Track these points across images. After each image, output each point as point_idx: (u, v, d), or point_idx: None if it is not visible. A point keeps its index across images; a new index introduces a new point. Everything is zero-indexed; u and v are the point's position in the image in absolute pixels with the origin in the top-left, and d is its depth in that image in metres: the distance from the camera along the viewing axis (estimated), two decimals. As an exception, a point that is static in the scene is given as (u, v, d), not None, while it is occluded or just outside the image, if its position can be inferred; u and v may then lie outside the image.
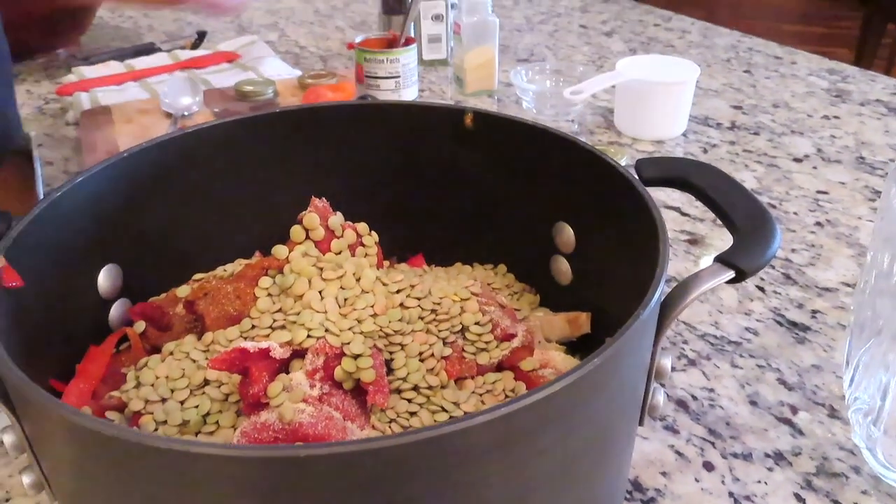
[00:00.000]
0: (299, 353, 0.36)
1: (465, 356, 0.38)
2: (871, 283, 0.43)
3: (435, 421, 0.35)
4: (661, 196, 0.74)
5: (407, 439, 0.25)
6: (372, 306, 0.38)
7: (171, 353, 0.40)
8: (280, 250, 0.41)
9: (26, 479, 0.33)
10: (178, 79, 0.88)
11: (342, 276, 0.40)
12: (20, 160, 0.86)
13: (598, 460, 0.33)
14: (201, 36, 1.13)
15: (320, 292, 0.39)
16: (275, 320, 0.38)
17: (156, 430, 0.36)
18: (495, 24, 0.92)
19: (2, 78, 0.52)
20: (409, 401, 0.36)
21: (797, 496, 0.43)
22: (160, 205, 0.46)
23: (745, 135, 0.86)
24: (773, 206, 0.72)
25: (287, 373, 0.36)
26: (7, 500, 0.43)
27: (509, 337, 0.39)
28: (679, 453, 0.46)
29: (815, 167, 0.79)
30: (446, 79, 1.02)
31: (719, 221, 0.43)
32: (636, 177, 0.40)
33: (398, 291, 0.40)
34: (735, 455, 0.46)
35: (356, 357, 0.36)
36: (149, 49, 1.07)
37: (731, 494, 0.43)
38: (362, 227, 0.44)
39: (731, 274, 0.34)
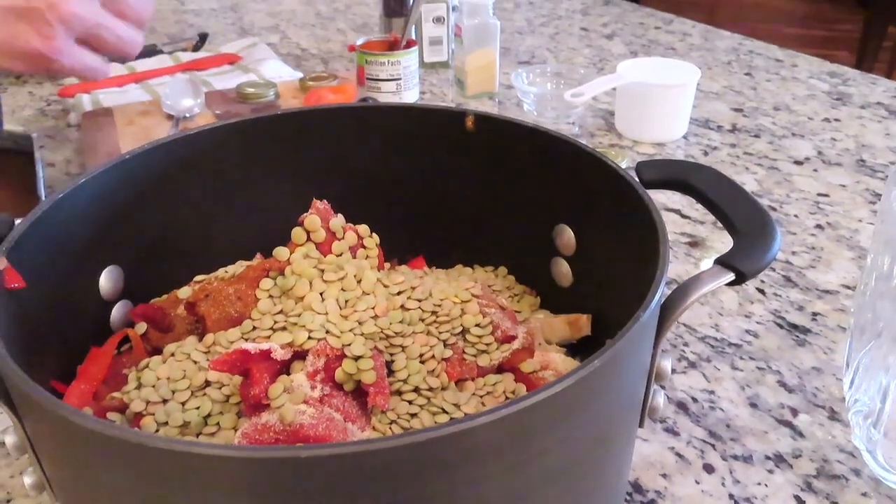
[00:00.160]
0: (300, 355, 0.36)
1: (465, 358, 0.38)
2: (871, 285, 0.43)
3: (435, 422, 0.36)
4: (662, 198, 0.74)
5: (407, 440, 0.25)
6: (373, 308, 0.38)
7: (173, 355, 0.40)
8: (281, 252, 0.41)
9: (27, 480, 0.33)
10: (179, 81, 0.89)
11: (343, 277, 0.40)
12: (21, 161, 0.86)
13: (598, 462, 0.33)
14: (203, 38, 1.13)
15: (321, 294, 0.39)
16: (276, 322, 0.38)
17: (157, 431, 0.36)
18: (496, 27, 0.92)
19: None
20: (410, 402, 0.36)
21: (797, 498, 0.43)
22: (162, 206, 0.46)
23: (745, 137, 0.86)
24: (774, 209, 0.72)
25: (288, 374, 0.36)
26: (9, 501, 0.43)
27: (510, 339, 0.39)
28: (679, 455, 0.46)
29: (815, 170, 0.79)
30: (447, 81, 1.02)
31: (720, 224, 0.43)
32: (636, 179, 0.40)
33: (399, 293, 0.40)
34: (735, 457, 0.46)
35: (357, 358, 0.36)
36: (150, 51, 1.07)
37: (731, 496, 0.43)
38: (363, 228, 0.44)
39: (731, 276, 0.34)
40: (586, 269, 0.46)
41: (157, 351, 0.41)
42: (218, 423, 0.36)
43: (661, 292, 0.32)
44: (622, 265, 0.40)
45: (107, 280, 0.43)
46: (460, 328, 0.39)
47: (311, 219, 0.42)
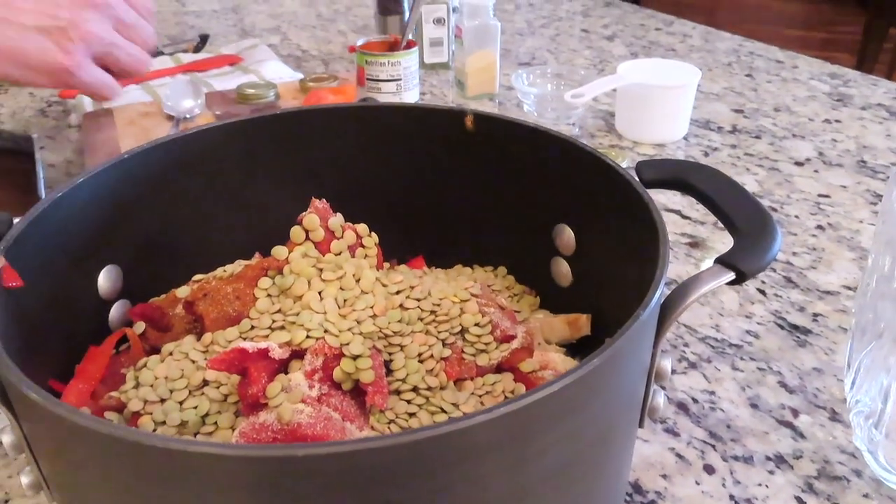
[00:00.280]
0: (298, 354, 0.36)
1: (464, 357, 0.38)
2: (872, 286, 0.43)
3: (434, 422, 0.35)
4: (662, 199, 0.74)
5: (405, 439, 0.25)
6: (371, 307, 0.38)
7: (171, 354, 0.40)
8: (280, 251, 0.41)
9: (25, 480, 0.33)
10: (180, 81, 0.89)
11: (342, 276, 0.40)
12: (22, 162, 0.87)
13: (597, 462, 0.32)
14: (203, 39, 1.13)
15: (320, 293, 0.39)
16: (274, 321, 0.38)
17: (154, 430, 0.36)
18: (497, 28, 0.92)
19: None
20: (409, 402, 0.36)
21: (798, 499, 0.43)
22: (160, 206, 0.46)
23: (746, 138, 0.86)
24: (775, 210, 0.72)
25: (286, 373, 0.36)
26: (6, 502, 0.43)
27: (509, 338, 0.39)
28: (679, 456, 0.46)
29: (816, 171, 0.79)
30: (447, 82, 1.02)
31: (720, 224, 0.43)
32: (637, 178, 0.39)
33: (398, 292, 0.40)
34: (736, 458, 0.46)
35: (355, 358, 0.36)
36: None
37: (731, 497, 0.43)
38: (362, 228, 0.44)
39: (731, 275, 0.34)
40: (586, 269, 0.46)
41: (156, 350, 0.41)
42: (216, 423, 0.36)
43: (661, 291, 0.32)
44: (622, 265, 0.40)
45: (105, 279, 0.43)
46: (459, 328, 0.39)
47: (310, 218, 0.42)
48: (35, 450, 0.31)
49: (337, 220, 0.43)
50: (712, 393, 0.51)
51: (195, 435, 0.36)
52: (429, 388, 0.36)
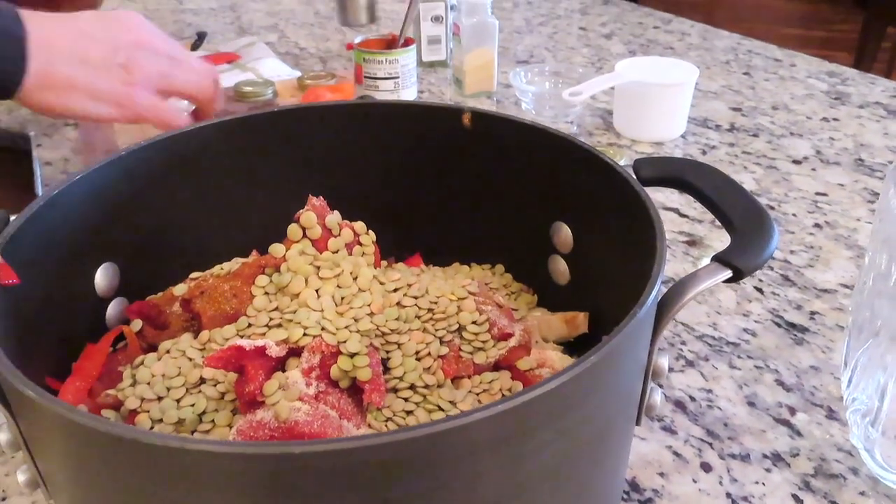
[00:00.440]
0: (295, 352, 0.36)
1: (461, 355, 0.38)
2: (869, 284, 0.43)
3: (431, 420, 0.35)
4: (660, 197, 0.74)
5: (402, 436, 0.25)
6: (369, 305, 0.38)
7: (168, 352, 0.40)
8: (277, 249, 0.41)
9: (22, 477, 0.33)
10: (177, 79, 0.88)
11: (339, 274, 0.40)
12: (19, 160, 0.86)
13: (594, 459, 0.32)
14: (201, 37, 1.13)
15: (317, 291, 0.39)
16: (271, 319, 0.38)
17: (152, 428, 0.36)
18: (495, 26, 0.92)
19: None
20: (406, 400, 0.36)
21: (795, 497, 0.43)
22: (158, 204, 0.46)
23: (744, 136, 0.86)
24: (772, 208, 0.72)
25: (283, 371, 0.36)
26: (3, 500, 0.43)
27: (506, 336, 0.39)
28: (677, 454, 0.46)
29: (814, 169, 0.79)
30: (445, 80, 1.02)
31: (718, 223, 0.43)
32: (634, 177, 0.39)
33: (395, 290, 0.40)
34: (733, 456, 0.46)
35: (352, 356, 0.36)
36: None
37: (728, 495, 0.43)
38: (359, 225, 0.44)
39: (728, 273, 0.34)
40: (583, 267, 0.46)
41: (153, 348, 0.41)
42: (213, 421, 0.36)
43: (658, 289, 0.32)
44: (619, 263, 0.40)
45: (102, 277, 0.43)
46: (457, 325, 0.39)
47: (307, 215, 0.42)
48: (32, 447, 0.31)
49: (334, 217, 0.43)
50: (709, 391, 0.51)
51: (192, 433, 0.36)
52: (426, 386, 0.36)
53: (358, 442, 0.24)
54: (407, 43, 0.84)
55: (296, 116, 0.49)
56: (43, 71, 0.57)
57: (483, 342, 0.39)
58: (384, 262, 0.48)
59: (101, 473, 0.27)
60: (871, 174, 0.78)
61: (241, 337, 0.38)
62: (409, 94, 0.84)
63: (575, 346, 0.45)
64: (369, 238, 0.44)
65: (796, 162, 0.81)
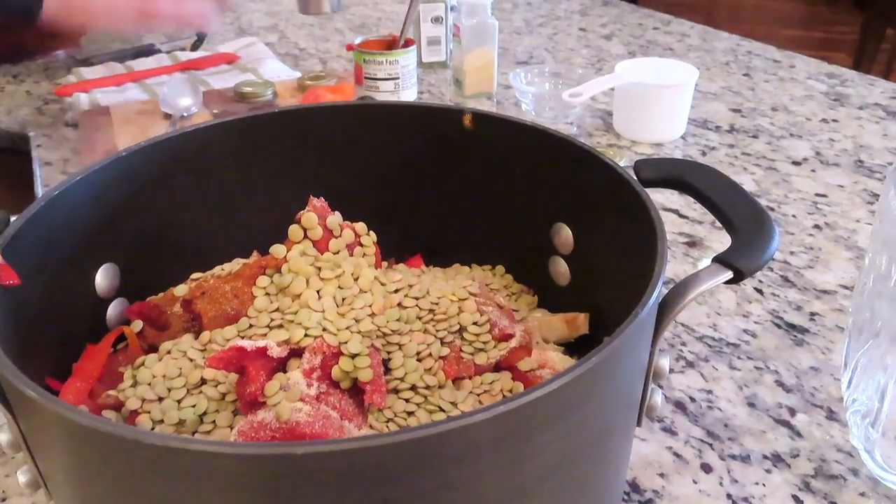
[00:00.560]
0: (297, 353, 0.36)
1: (462, 356, 0.38)
2: (869, 285, 0.43)
3: (432, 420, 0.35)
4: (660, 198, 0.74)
5: (403, 438, 0.25)
6: (370, 306, 0.38)
7: (169, 353, 0.40)
8: (278, 249, 0.41)
9: (22, 478, 0.33)
10: (177, 80, 0.88)
11: (340, 275, 0.40)
12: (19, 160, 0.86)
13: (595, 460, 0.32)
14: (201, 38, 1.13)
15: (318, 292, 0.39)
16: (272, 319, 0.38)
17: (152, 429, 0.36)
18: (495, 27, 0.92)
19: None
20: (407, 400, 0.36)
21: (795, 498, 0.43)
22: (158, 204, 0.45)
23: (743, 138, 0.86)
24: (772, 209, 0.72)
25: (284, 372, 0.36)
26: (3, 501, 0.43)
27: (507, 337, 0.39)
28: (677, 455, 0.46)
29: (813, 170, 0.79)
30: (445, 81, 1.02)
31: (718, 224, 0.43)
32: (635, 177, 0.40)
33: (396, 291, 0.40)
34: (733, 457, 0.46)
35: (354, 356, 0.36)
36: (148, 50, 1.07)
37: (728, 496, 0.43)
38: (360, 226, 0.44)
39: (729, 274, 0.34)
40: (584, 268, 0.46)
41: (154, 349, 0.41)
42: (214, 422, 0.36)
43: (659, 290, 0.32)
44: (620, 264, 0.40)
45: (103, 277, 0.43)
46: (457, 326, 0.39)
47: (308, 216, 0.42)
48: (33, 448, 0.31)
49: (335, 218, 0.43)
50: (710, 392, 0.51)
51: (193, 434, 0.36)
52: (427, 387, 0.36)
53: (359, 443, 0.24)
54: (407, 44, 0.84)
55: (296, 117, 0.49)
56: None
57: (484, 343, 0.39)
58: (385, 263, 0.48)
59: (101, 474, 0.27)
60: (871, 175, 0.78)
61: (243, 338, 0.38)
62: (409, 94, 0.85)
63: (576, 347, 0.45)
64: (370, 239, 0.44)
65: (796, 163, 0.81)
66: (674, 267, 0.64)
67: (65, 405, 0.26)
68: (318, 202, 0.43)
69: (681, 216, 0.71)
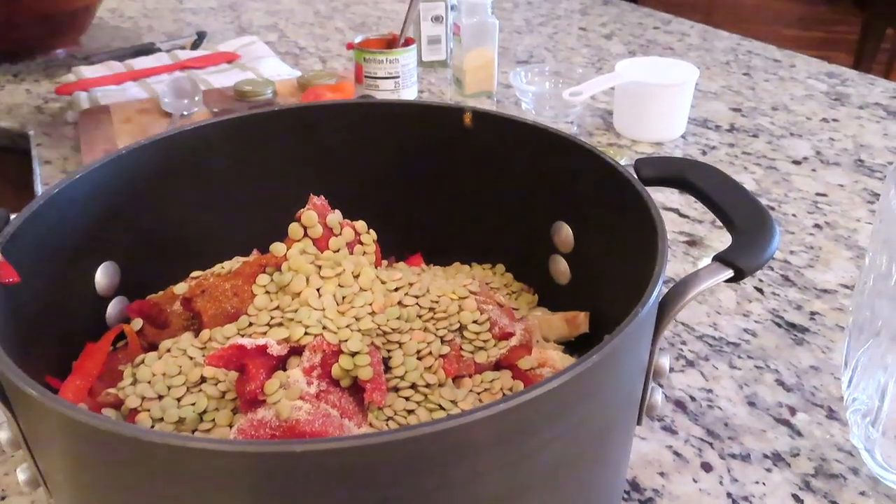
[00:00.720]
0: (297, 351, 0.36)
1: (462, 355, 0.38)
2: (869, 284, 0.43)
3: (432, 419, 0.35)
4: (660, 197, 0.74)
5: (403, 436, 0.25)
6: (370, 304, 0.38)
7: (168, 351, 0.40)
8: (278, 248, 0.41)
9: (22, 476, 0.33)
10: (177, 79, 0.88)
11: (340, 273, 0.40)
12: (19, 159, 0.86)
13: (595, 459, 0.32)
14: (201, 36, 1.13)
15: (318, 290, 0.39)
16: (272, 318, 0.38)
17: (152, 427, 0.36)
18: (495, 26, 0.92)
19: None
20: (407, 399, 0.36)
21: (795, 497, 0.43)
22: (158, 203, 0.45)
23: (744, 137, 0.86)
24: (772, 208, 0.72)
25: (284, 370, 0.36)
26: (3, 499, 0.43)
27: (507, 336, 0.39)
28: (677, 454, 0.46)
29: (813, 169, 0.79)
30: (446, 80, 1.02)
31: (718, 223, 0.43)
32: (635, 176, 0.39)
33: (396, 290, 0.40)
34: (733, 456, 0.46)
35: (353, 355, 0.36)
36: (148, 49, 1.07)
37: (729, 495, 0.43)
38: (360, 225, 0.44)
39: (729, 273, 0.34)
40: (584, 267, 0.46)
41: (153, 347, 0.41)
42: (213, 420, 0.36)
43: (660, 289, 0.32)
44: (620, 263, 0.40)
45: (102, 276, 0.43)
46: (458, 325, 0.39)
47: (308, 214, 0.42)
48: (32, 446, 0.31)
49: (335, 216, 0.43)
50: (710, 391, 0.51)
51: (193, 432, 0.36)
52: (427, 386, 0.36)
53: (359, 441, 0.24)
54: (407, 43, 0.84)
55: (296, 116, 0.49)
56: None
57: (484, 341, 0.39)
58: (385, 262, 0.48)
59: (101, 472, 0.27)
60: (871, 175, 0.78)
61: (242, 336, 0.38)
62: (409, 93, 0.84)
63: (576, 346, 0.45)
64: (370, 237, 0.44)
65: (796, 162, 0.81)
66: (674, 266, 0.64)
67: (64, 403, 0.26)
68: (318, 200, 0.43)
69: (681, 215, 0.71)
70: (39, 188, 0.77)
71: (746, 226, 0.36)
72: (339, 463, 0.25)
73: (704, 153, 0.83)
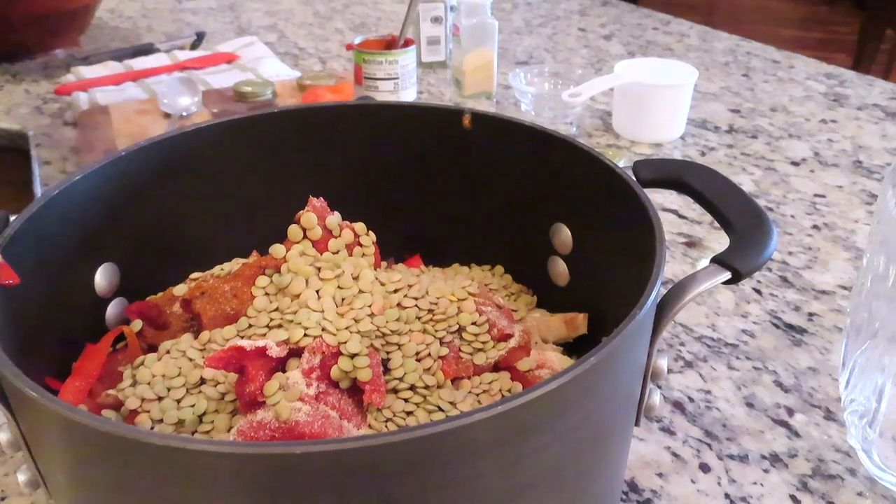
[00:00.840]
0: (296, 352, 0.36)
1: (461, 356, 0.38)
2: (867, 285, 0.43)
3: (431, 420, 0.35)
4: (658, 199, 0.74)
5: (402, 437, 0.25)
6: (369, 306, 0.38)
7: (168, 352, 0.40)
8: (277, 249, 0.41)
9: (22, 477, 0.33)
10: (176, 79, 0.88)
11: (339, 275, 0.40)
12: (18, 160, 0.86)
13: (593, 460, 0.33)
14: (200, 37, 1.13)
15: (317, 291, 0.39)
16: (272, 319, 0.38)
17: (152, 428, 0.36)
18: (494, 27, 0.92)
19: None
20: (406, 400, 0.36)
21: (793, 498, 0.43)
22: (157, 204, 0.46)
23: (742, 138, 0.86)
24: (771, 210, 0.72)
25: (284, 372, 0.36)
26: (3, 500, 0.43)
27: (506, 337, 0.39)
28: (675, 455, 0.46)
29: (812, 171, 0.79)
30: (445, 81, 1.02)
31: (717, 224, 0.43)
32: (634, 178, 0.40)
33: (395, 291, 0.40)
34: (731, 457, 0.46)
35: (353, 356, 0.36)
36: (148, 49, 1.07)
37: (727, 496, 0.43)
38: (360, 226, 0.44)
39: (727, 275, 0.34)
40: (583, 268, 0.46)
41: (153, 348, 0.41)
42: (213, 421, 0.36)
43: (658, 290, 0.32)
44: (619, 264, 0.40)
45: (102, 277, 0.43)
46: (457, 326, 0.39)
47: (308, 216, 0.42)
48: (32, 447, 0.31)
49: (335, 218, 0.43)
50: (708, 392, 0.51)
51: (193, 433, 0.36)
52: (426, 387, 0.36)
53: (358, 442, 0.25)
54: (407, 44, 0.84)
55: (295, 117, 0.49)
56: None
57: (483, 343, 0.39)
58: (384, 263, 0.48)
59: (101, 473, 0.27)
60: (870, 176, 0.78)
61: (242, 337, 0.38)
62: (408, 94, 0.85)
63: (574, 348, 0.45)
64: (370, 239, 0.44)
65: (795, 164, 0.81)
66: (672, 267, 0.64)
67: (64, 404, 0.26)
68: (317, 202, 0.43)
69: (680, 216, 0.71)
70: (39, 189, 0.77)
71: (744, 228, 0.36)
72: (339, 464, 0.25)
73: (703, 154, 0.83)
